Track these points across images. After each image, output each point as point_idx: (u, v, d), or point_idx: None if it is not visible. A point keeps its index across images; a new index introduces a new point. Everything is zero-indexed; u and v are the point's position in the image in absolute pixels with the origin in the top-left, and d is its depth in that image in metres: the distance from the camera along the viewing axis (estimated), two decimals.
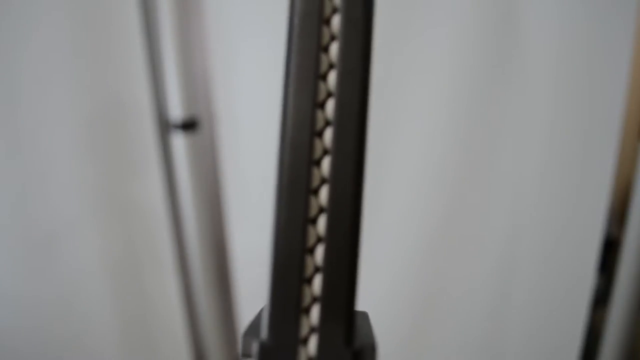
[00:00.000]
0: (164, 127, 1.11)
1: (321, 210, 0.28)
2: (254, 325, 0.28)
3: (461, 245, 0.98)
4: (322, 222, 0.28)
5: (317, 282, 0.28)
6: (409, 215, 0.98)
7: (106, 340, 1.09)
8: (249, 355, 0.27)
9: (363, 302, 0.96)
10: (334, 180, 0.27)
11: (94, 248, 1.06)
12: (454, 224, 0.98)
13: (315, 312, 0.27)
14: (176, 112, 1.10)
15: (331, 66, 0.28)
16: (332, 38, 0.28)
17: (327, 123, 0.28)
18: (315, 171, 0.28)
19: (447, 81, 0.92)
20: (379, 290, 1.01)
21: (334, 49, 0.28)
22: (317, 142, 0.28)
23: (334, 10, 0.28)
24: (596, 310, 0.97)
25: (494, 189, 0.95)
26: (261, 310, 0.29)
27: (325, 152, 0.28)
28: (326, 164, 0.27)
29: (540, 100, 0.90)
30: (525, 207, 0.94)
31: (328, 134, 0.28)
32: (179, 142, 1.11)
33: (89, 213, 1.05)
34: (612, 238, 0.99)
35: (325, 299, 0.27)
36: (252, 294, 1.08)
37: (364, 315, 0.31)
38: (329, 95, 0.28)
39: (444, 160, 0.96)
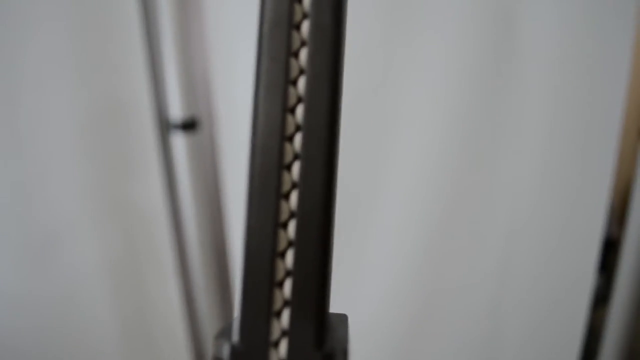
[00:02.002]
0: (164, 127, 1.11)
1: (292, 214, 0.28)
2: (226, 329, 0.29)
3: (460, 245, 0.98)
4: (292, 227, 0.28)
5: (288, 286, 0.28)
6: (408, 216, 0.98)
7: (106, 340, 1.10)
8: (220, 359, 0.28)
9: (362, 302, 0.96)
10: (304, 184, 0.27)
11: (94, 248, 1.06)
12: (453, 224, 0.98)
13: (286, 316, 0.28)
14: (176, 112, 1.10)
15: (302, 71, 0.28)
16: (303, 43, 0.28)
17: (298, 128, 0.28)
18: (285, 176, 0.28)
19: (447, 81, 0.92)
20: (378, 291, 1.01)
21: (304, 54, 0.28)
22: (288, 147, 0.28)
23: (304, 16, 0.28)
24: (596, 310, 0.97)
25: (494, 189, 0.95)
26: (235, 316, 0.29)
27: (296, 156, 0.28)
28: (297, 168, 0.28)
29: (539, 100, 0.90)
30: (524, 207, 0.94)
31: (299, 139, 0.28)
32: (179, 142, 1.11)
33: (89, 213, 1.05)
34: (612, 238, 0.99)
35: (296, 303, 0.28)
36: None
37: (342, 318, 0.31)
38: (300, 100, 0.28)
39: (443, 161, 0.95)
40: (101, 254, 1.07)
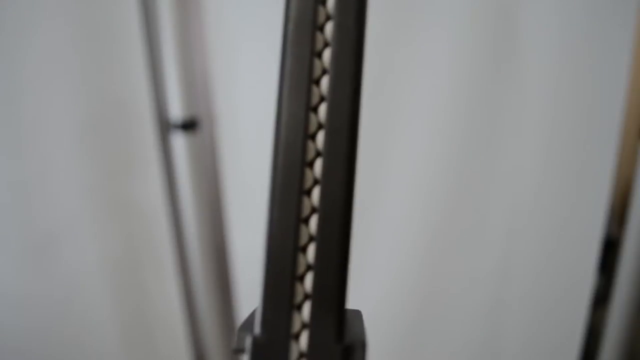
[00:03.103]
0: (164, 127, 1.11)
1: (314, 210, 0.29)
2: (249, 322, 0.29)
3: (461, 245, 0.99)
4: (314, 222, 0.29)
5: (309, 280, 0.28)
6: (408, 215, 0.99)
7: (106, 340, 1.10)
8: (242, 350, 0.28)
9: (362, 301, 0.96)
10: (326, 181, 0.28)
11: (94, 248, 1.06)
12: (453, 223, 0.98)
13: (306, 309, 0.28)
14: (176, 112, 1.10)
15: (325, 71, 0.29)
16: (326, 44, 0.29)
17: (320, 126, 0.29)
18: (308, 172, 0.29)
19: (447, 81, 0.92)
20: (379, 290, 1.01)
21: (328, 55, 0.28)
22: (310, 145, 0.29)
23: (328, 18, 0.29)
24: (596, 310, 0.97)
25: (494, 189, 0.95)
26: (257, 308, 0.30)
27: (318, 154, 0.29)
28: (319, 165, 0.28)
29: (540, 99, 0.90)
30: (525, 207, 0.94)
31: (321, 137, 0.29)
32: (179, 142, 1.12)
33: (89, 213, 1.05)
34: (612, 238, 0.99)
35: (316, 296, 0.28)
36: (252, 293, 1.08)
37: (357, 313, 0.32)
38: (322, 99, 0.29)
39: (443, 160, 0.96)
40: (101, 253, 1.07)
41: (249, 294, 1.10)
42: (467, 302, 1.00)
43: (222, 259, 1.19)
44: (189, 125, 1.12)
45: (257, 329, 0.28)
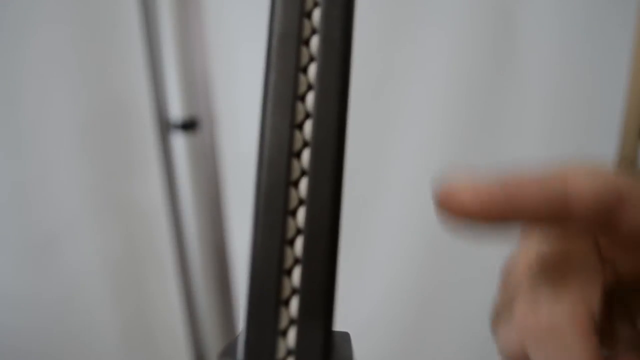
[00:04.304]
0: (164, 127, 1.11)
1: (299, 231, 0.28)
2: (231, 348, 0.28)
3: (461, 245, 0.98)
4: (299, 244, 0.28)
5: (295, 304, 0.28)
6: (408, 214, 0.98)
7: (106, 340, 1.10)
8: None
9: (362, 301, 0.96)
10: (311, 201, 0.27)
11: (94, 248, 1.06)
12: None
13: (292, 335, 0.28)
14: (176, 112, 1.10)
15: (310, 87, 0.28)
16: (311, 59, 0.28)
17: (306, 144, 0.28)
18: (292, 192, 0.28)
19: (447, 80, 0.92)
20: (378, 290, 1.01)
21: (313, 70, 0.28)
22: (295, 163, 0.28)
23: (313, 32, 0.28)
24: None
25: None
26: (239, 334, 0.29)
27: (304, 173, 0.28)
28: (304, 185, 0.28)
29: (540, 99, 0.90)
30: None
31: (306, 155, 0.28)
32: (179, 142, 1.11)
33: (89, 213, 1.05)
34: None
35: (302, 322, 0.27)
36: None
37: (345, 335, 0.31)
38: (308, 116, 0.28)
39: (443, 159, 0.95)
40: (101, 253, 1.07)
41: None
42: (468, 302, 1.00)
43: (222, 259, 1.18)
44: (189, 125, 1.11)
45: (240, 355, 0.28)
